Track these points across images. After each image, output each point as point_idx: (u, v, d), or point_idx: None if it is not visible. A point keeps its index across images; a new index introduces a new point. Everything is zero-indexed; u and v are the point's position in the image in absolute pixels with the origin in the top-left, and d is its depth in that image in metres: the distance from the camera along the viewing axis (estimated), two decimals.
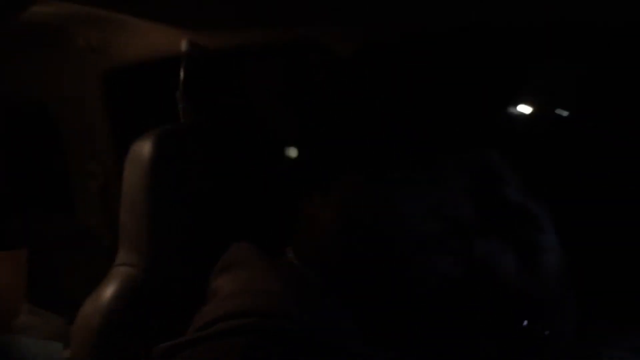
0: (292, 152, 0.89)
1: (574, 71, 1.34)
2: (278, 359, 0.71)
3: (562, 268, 0.83)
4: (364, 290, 0.80)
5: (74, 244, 1.92)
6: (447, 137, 0.82)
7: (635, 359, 1.22)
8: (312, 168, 0.84)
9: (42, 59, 1.62)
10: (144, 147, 0.98)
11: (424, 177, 0.78)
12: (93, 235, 1.87)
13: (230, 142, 1.06)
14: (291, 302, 0.76)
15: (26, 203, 2.02)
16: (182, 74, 1.22)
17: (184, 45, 1.19)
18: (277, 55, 1.09)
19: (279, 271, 0.81)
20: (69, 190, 1.91)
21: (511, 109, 1.38)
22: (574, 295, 0.86)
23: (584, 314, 0.93)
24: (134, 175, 0.99)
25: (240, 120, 1.13)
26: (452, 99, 0.83)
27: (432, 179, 0.78)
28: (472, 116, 0.85)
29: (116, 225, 1.83)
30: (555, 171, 1.37)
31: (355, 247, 0.79)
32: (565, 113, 1.40)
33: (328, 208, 0.81)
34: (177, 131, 1.03)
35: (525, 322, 0.84)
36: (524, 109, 1.37)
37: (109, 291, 0.94)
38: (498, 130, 0.94)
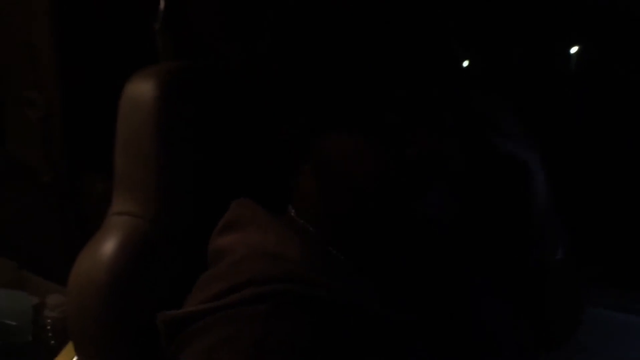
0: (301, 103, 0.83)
1: None
2: (305, 325, 0.70)
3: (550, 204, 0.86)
4: (378, 255, 0.81)
5: (6, 179, 1.78)
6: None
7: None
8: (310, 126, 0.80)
9: None
10: (147, 87, 0.90)
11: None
12: (29, 170, 1.74)
13: (235, 85, 0.98)
14: (312, 267, 0.76)
15: None
16: (162, 3, 1.11)
17: None
18: None
19: (291, 233, 0.80)
20: (3, 119, 1.77)
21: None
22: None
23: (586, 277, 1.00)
24: (135, 117, 0.90)
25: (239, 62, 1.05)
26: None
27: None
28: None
29: (58, 160, 1.73)
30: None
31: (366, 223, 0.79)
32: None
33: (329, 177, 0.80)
34: (180, 70, 0.95)
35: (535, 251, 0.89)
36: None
37: (110, 244, 0.85)
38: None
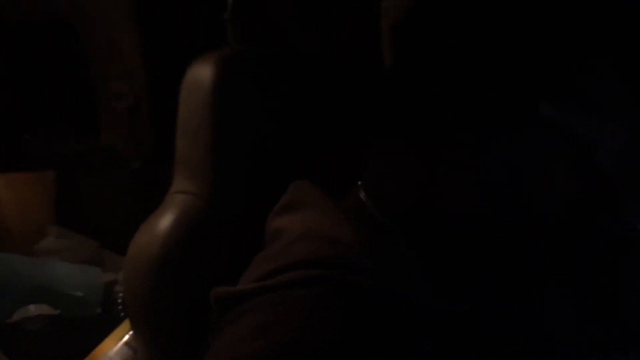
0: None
1: None
2: (350, 313, 0.68)
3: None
4: (444, 250, 0.75)
5: (101, 166, 1.88)
6: None
7: None
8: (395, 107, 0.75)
9: None
10: (206, 71, 0.93)
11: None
12: (120, 158, 1.83)
13: (297, 69, 1.00)
14: (364, 252, 0.73)
15: (52, 125, 1.97)
16: None
17: None
18: None
19: (349, 214, 0.77)
20: (95, 111, 1.86)
21: None
22: None
23: None
24: (194, 100, 0.93)
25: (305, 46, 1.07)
26: None
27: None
28: None
29: (146, 148, 1.81)
30: None
31: (449, 211, 0.72)
32: None
33: (420, 157, 0.72)
34: (241, 55, 0.98)
35: None
36: None
37: (167, 220, 0.90)
38: None
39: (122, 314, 1.40)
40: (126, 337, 1.27)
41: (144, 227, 0.92)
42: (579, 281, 0.83)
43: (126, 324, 1.23)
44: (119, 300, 1.49)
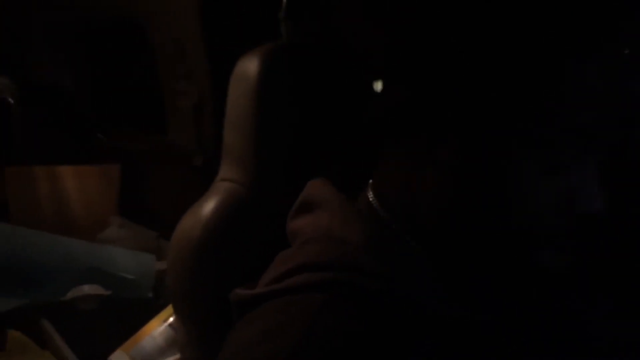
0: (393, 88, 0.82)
1: None
2: (355, 316, 0.68)
3: None
4: (454, 252, 0.75)
5: (165, 162, 1.95)
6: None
7: None
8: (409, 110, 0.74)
9: None
10: (251, 64, 0.96)
11: (555, 158, 0.68)
12: (184, 154, 1.88)
13: (335, 65, 1.03)
14: (372, 254, 0.72)
15: (120, 121, 2.05)
16: None
17: None
18: None
19: (359, 215, 0.76)
20: (163, 109, 1.93)
21: None
22: None
23: None
24: (240, 92, 0.97)
25: (347, 45, 1.09)
26: None
27: (563, 161, 0.68)
28: None
29: (209, 145, 1.86)
30: None
31: (463, 214, 0.72)
32: None
33: (429, 163, 0.72)
34: (286, 50, 1.01)
35: None
36: None
37: (210, 204, 0.93)
38: None
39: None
40: (170, 319, 1.32)
41: (189, 212, 0.96)
42: (614, 284, 0.84)
43: (171, 307, 1.27)
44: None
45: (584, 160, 0.68)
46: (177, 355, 1.25)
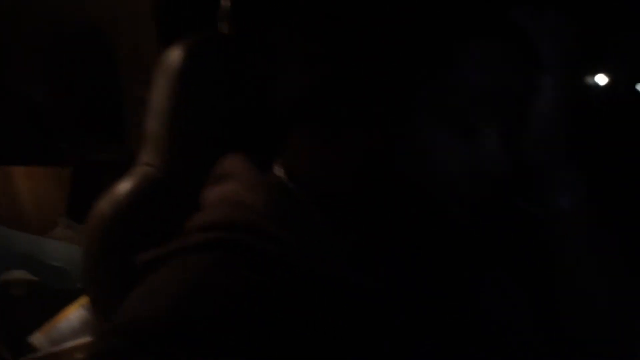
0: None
1: None
2: (245, 276, 0.68)
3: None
4: (363, 224, 0.75)
5: (121, 170, 1.96)
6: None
7: None
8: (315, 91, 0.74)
9: None
10: (173, 54, 1.00)
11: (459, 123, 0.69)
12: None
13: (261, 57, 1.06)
14: (275, 221, 0.72)
15: (78, 126, 2.08)
16: None
17: None
18: None
19: (266, 186, 0.76)
20: (122, 117, 1.96)
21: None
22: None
23: None
24: (162, 81, 1.00)
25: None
26: None
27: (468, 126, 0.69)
28: None
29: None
30: None
31: (372, 184, 0.72)
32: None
33: (337, 136, 0.73)
34: (209, 41, 1.04)
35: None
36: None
37: (124, 186, 0.97)
38: None
39: None
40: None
41: (104, 195, 0.99)
42: (504, 262, 0.84)
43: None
44: None
45: (489, 125, 0.69)
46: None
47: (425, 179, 0.69)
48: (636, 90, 1.35)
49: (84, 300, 1.36)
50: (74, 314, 1.32)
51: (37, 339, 1.32)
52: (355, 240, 0.74)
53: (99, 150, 2.06)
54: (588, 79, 1.34)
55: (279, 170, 0.79)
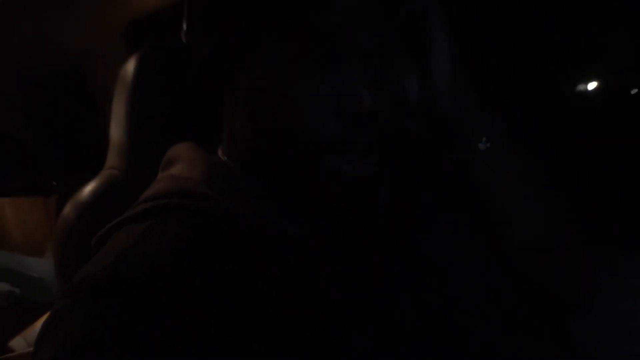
0: None
1: None
2: (179, 235, 0.72)
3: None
4: (281, 181, 0.78)
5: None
6: None
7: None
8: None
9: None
10: (129, 65, 1.06)
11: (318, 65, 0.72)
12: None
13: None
14: (206, 185, 0.77)
15: (60, 157, 2.13)
16: None
17: None
18: None
19: (206, 162, 0.81)
20: (103, 145, 2.01)
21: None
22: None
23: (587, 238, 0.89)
24: (121, 91, 1.07)
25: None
26: None
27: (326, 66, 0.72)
28: None
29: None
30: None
31: (265, 147, 0.77)
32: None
33: (237, 110, 0.79)
34: (162, 49, 1.10)
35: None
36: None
37: (87, 189, 1.02)
38: None
39: None
40: None
41: (70, 200, 1.04)
42: (448, 205, 0.87)
43: None
44: None
45: (348, 65, 0.72)
46: None
47: (296, 126, 0.73)
48: (630, 96, 1.36)
49: None
50: None
51: (17, 342, 1.37)
52: (281, 200, 0.78)
53: (83, 177, 2.11)
54: (579, 86, 1.36)
55: (221, 153, 0.85)
